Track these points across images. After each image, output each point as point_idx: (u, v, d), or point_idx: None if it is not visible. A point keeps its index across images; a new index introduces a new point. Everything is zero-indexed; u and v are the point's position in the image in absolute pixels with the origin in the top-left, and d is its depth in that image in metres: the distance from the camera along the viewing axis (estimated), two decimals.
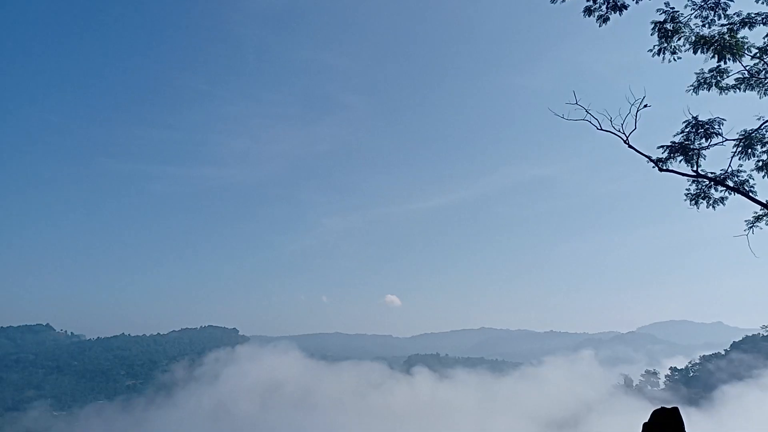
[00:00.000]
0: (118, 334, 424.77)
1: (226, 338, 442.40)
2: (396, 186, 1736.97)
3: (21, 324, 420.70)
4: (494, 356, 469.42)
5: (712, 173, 22.51)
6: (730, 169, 22.20)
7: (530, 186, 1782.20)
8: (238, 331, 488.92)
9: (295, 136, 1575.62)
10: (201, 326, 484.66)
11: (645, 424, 5.29)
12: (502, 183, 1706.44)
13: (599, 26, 20.76)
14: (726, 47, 20.34)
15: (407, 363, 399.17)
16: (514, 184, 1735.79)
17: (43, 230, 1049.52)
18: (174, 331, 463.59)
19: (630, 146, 22.06)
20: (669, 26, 20.83)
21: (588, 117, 22.91)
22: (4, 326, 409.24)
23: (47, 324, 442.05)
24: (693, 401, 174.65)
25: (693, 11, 20.46)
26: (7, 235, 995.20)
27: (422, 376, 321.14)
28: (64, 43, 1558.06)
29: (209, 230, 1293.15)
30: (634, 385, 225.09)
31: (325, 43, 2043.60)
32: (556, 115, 23.95)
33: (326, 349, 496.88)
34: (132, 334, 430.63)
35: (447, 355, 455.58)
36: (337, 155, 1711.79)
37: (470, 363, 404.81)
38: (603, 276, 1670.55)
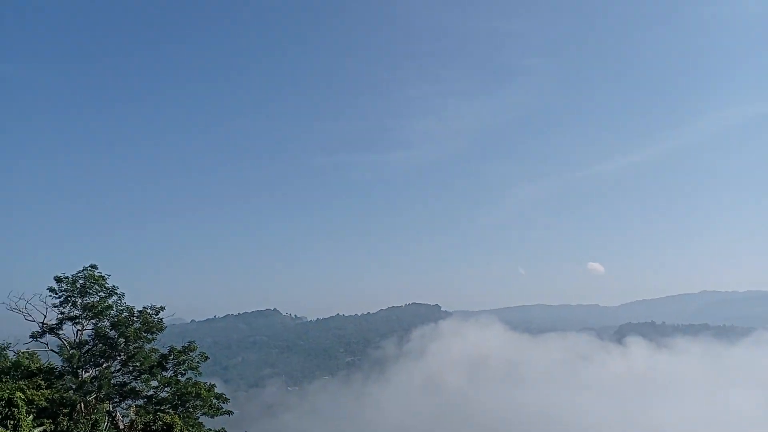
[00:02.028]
0: (334, 314, 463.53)
1: (430, 314, 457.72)
2: (588, 146, 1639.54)
3: (254, 310, 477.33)
4: (720, 322, 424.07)
5: None
6: None
7: (749, 127, 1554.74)
8: (440, 307, 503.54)
9: (477, 108, 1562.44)
10: (406, 304, 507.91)
11: None
12: (714, 128, 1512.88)
13: None
14: None
15: (618, 333, 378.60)
16: (728, 128, 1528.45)
17: (262, 226, 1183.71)
18: (382, 309, 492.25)
19: None
20: None
21: None
22: (241, 312, 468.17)
23: (275, 308, 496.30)
24: None
25: None
26: (235, 235, 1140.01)
27: (637, 345, 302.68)
28: (260, 57, 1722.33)
29: (404, 211, 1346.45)
30: None
31: (498, 9, 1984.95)
32: None
33: (529, 322, 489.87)
34: (345, 314, 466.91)
35: (664, 322, 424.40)
36: (521, 122, 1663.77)
37: (692, 330, 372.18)
38: None
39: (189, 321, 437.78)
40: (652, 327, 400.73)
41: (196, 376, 39.85)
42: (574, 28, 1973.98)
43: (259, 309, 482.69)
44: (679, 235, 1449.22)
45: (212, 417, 39.63)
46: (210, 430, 40.13)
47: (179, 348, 39.57)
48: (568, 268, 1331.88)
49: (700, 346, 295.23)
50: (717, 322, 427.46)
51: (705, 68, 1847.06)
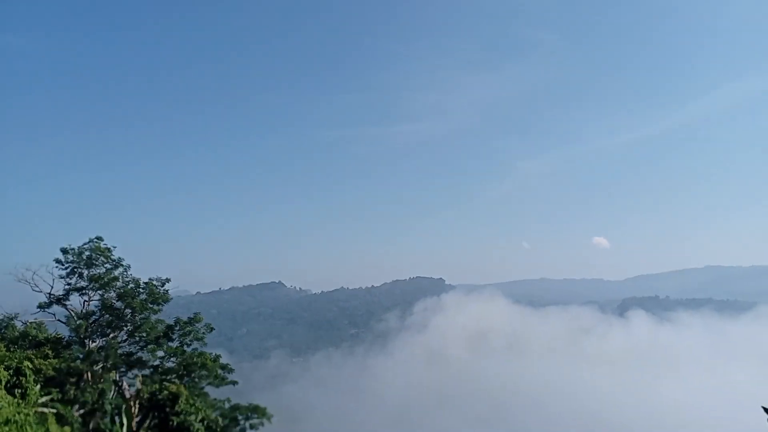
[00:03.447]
0: (338, 287, 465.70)
1: (434, 288, 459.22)
2: (595, 120, 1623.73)
3: (259, 282, 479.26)
4: (723, 296, 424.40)
5: None
6: None
7: (755, 102, 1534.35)
8: (444, 281, 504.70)
9: (485, 82, 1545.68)
10: (410, 277, 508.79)
11: None
12: (724, 102, 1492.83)
13: None
14: None
15: (621, 306, 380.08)
16: (738, 102, 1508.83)
17: (267, 200, 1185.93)
18: (386, 283, 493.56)
19: None
20: None
21: None
22: (246, 285, 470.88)
23: (279, 281, 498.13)
24: None
25: None
26: (240, 208, 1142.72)
27: (639, 319, 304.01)
28: (271, 31, 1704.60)
29: (410, 185, 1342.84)
30: None
31: None
32: None
33: (532, 295, 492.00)
34: (350, 287, 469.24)
35: (667, 296, 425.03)
36: (529, 96, 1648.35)
37: (694, 304, 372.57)
38: None
39: (194, 293, 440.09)
40: (656, 301, 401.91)
41: (201, 346, 40.30)
42: (585, 2, 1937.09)
43: (264, 281, 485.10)
44: (684, 210, 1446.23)
45: (217, 387, 40.15)
46: (215, 399, 40.65)
47: (185, 319, 39.99)
48: (573, 242, 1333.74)
49: (703, 320, 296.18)
50: (720, 296, 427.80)
51: (719, 39, 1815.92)
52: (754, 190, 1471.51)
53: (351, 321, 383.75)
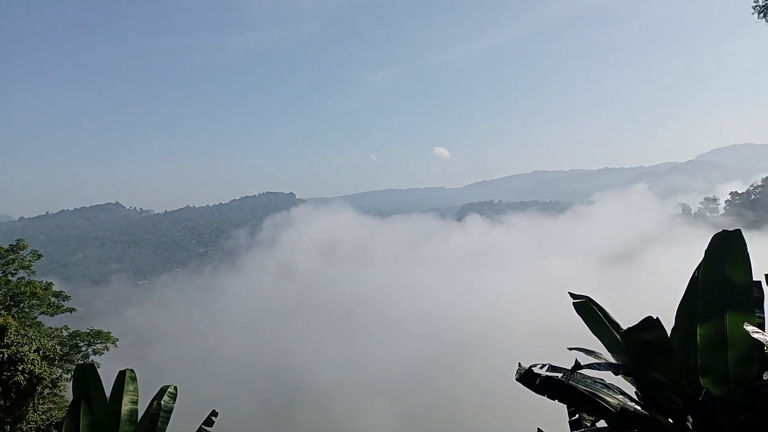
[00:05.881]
0: (184, 206, 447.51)
1: (284, 202, 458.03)
2: (441, 33, 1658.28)
3: (93, 204, 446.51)
4: (548, 198, 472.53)
5: None
6: None
7: (585, 16, 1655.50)
8: (294, 195, 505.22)
9: None
10: (259, 193, 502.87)
11: (707, 250, 5.15)
12: (557, 14, 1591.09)
13: None
14: None
15: (460, 212, 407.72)
16: (567, 16, 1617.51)
17: (95, 113, 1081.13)
18: (235, 199, 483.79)
19: None
20: None
21: None
22: (78, 207, 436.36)
23: (117, 202, 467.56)
24: (756, 225, 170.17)
25: None
26: (66, 122, 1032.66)
27: (474, 223, 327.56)
28: None
29: (255, 97, 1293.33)
30: (692, 213, 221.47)
31: None
32: None
33: (380, 206, 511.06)
34: (196, 206, 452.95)
35: (500, 201, 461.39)
36: (378, 6, 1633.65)
37: (522, 207, 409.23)
38: (659, 106, 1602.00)
39: (17, 218, 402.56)
40: (490, 205, 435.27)
41: (29, 275, 37.99)
42: None
43: (99, 203, 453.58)
44: (514, 121, 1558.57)
45: (53, 315, 38.44)
46: (51, 328, 39.05)
47: (6, 247, 37.22)
48: (417, 153, 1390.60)
49: (529, 220, 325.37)
50: (544, 198, 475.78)
51: None
52: (575, 102, 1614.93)
53: (198, 240, 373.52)
